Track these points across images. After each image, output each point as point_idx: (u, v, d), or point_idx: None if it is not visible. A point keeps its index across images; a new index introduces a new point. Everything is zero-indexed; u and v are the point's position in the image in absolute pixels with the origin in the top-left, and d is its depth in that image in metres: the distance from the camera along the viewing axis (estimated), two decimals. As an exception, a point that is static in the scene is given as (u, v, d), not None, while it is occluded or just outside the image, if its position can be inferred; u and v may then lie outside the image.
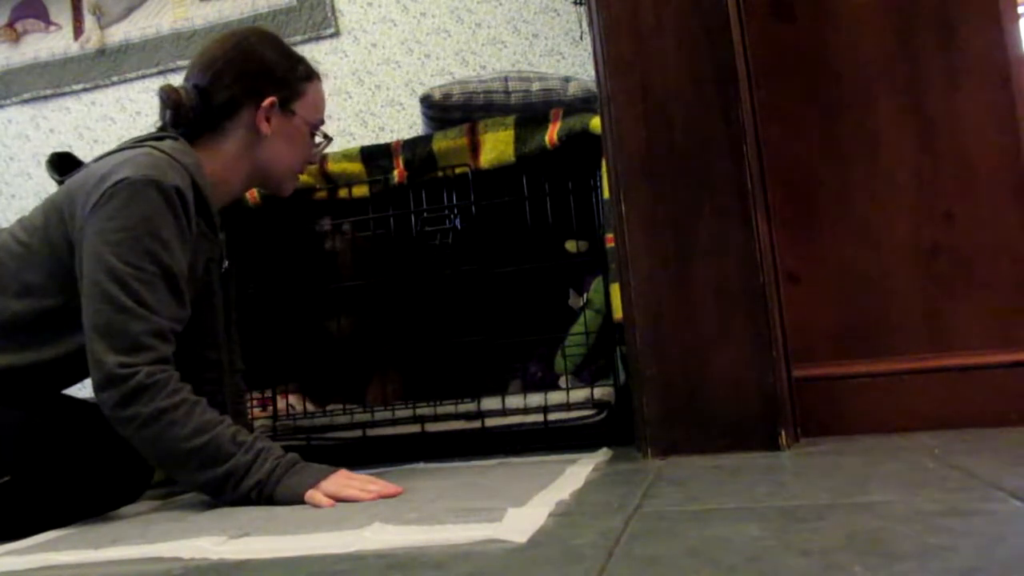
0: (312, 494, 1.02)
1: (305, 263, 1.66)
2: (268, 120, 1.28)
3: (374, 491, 1.02)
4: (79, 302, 1.10)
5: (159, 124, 1.29)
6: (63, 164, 1.28)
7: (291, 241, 1.65)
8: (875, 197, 1.25)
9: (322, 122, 1.38)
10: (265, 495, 1.05)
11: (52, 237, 1.15)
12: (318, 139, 1.38)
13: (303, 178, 1.56)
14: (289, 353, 1.67)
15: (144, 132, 1.29)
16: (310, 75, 1.34)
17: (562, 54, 2.34)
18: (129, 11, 2.70)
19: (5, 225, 1.29)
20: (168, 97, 1.25)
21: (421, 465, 1.35)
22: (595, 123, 1.38)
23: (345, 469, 1.08)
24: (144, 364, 1.04)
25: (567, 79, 1.60)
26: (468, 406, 1.44)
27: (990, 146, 1.21)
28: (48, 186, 2.72)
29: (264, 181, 1.35)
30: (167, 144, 1.20)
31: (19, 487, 1.09)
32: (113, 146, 1.24)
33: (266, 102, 1.27)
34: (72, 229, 1.13)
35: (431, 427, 1.45)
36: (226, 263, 1.35)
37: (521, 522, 0.75)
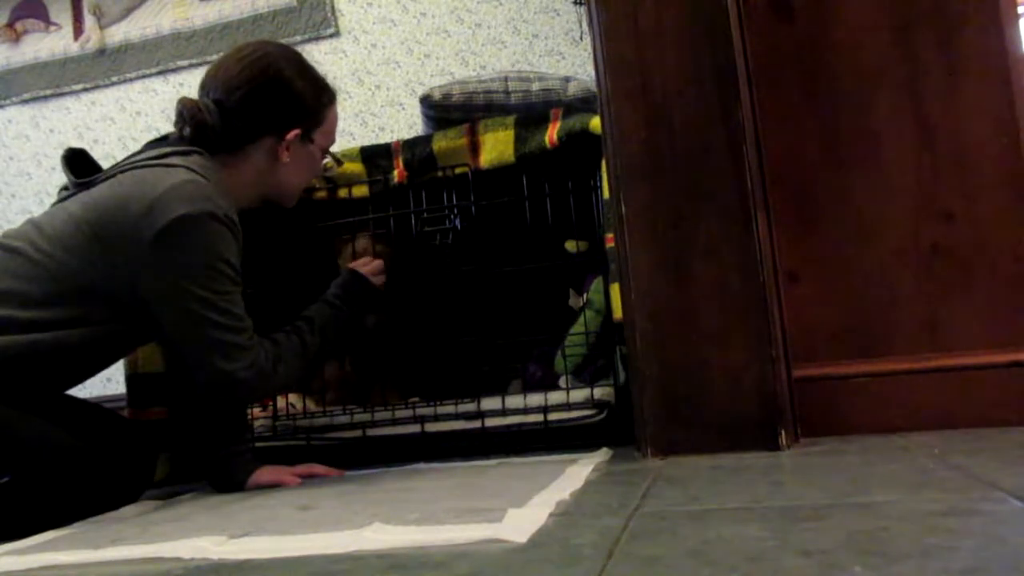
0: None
1: (305, 263, 1.66)
2: (287, 149, 1.30)
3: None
4: (97, 316, 1.16)
5: (175, 135, 1.29)
6: (78, 163, 1.28)
7: (291, 241, 1.65)
8: (875, 197, 1.25)
9: (333, 143, 1.41)
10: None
11: (84, 254, 1.17)
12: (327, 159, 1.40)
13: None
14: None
15: (146, 133, 1.29)
16: (331, 100, 1.37)
17: (562, 54, 2.35)
18: (129, 11, 2.70)
19: (7, 226, 1.29)
20: (191, 115, 1.25)
21: (421, 465, 1.35)
22: (595, 123, 1.38)
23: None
24: (251, 358, 1.20)
25: (567, 79, 1.60)
26: (468, 406, 1.44)
27: (990, 146, 1.21)
28: (48, 186, 2.72)
29: (274, 197, 1.38)
30: (195, 161, 1.21)
31: (19, 487, 1.09)
32: (117, 145, 1.25)
33: (291, 135, 1.29)
34: (117, 255, 1.16)
35: (431, 427, 1.45)
36: None
37: (521, 522, 0.75)
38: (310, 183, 1.47)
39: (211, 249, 1.16)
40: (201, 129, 1.25)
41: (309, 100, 1.31)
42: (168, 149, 1.24)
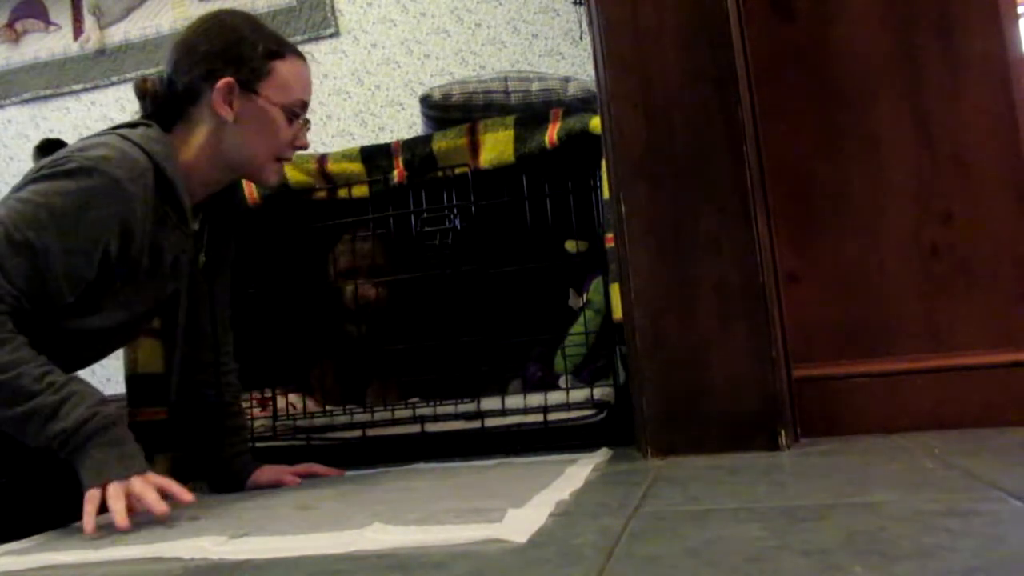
0: (109, 493, 0.96)
1: (305, 263, 1.66)
2: (230, 104, 1.19)
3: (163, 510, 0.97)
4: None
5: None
6: (49, 151, 1.26)
7: (291, 241, 1.65)
8: (875, 197, 1.25)
9: (301, 104, 1.26)
10: (69, 450, 0.98)
11: None
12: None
13: (303, 177, 1.57)
14: (290, 353, 1.67)
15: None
16: (276, 53, 1.22)
17: (562, 54, 2.34)
18: (129, 11, 2.70)
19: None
20: (138, 90, 1.23)
21: (421, 465, 1.35)
22: (595, 123, 1.38)
23: (153, 474, 1.00)
24: None
25: (567, 79, 1.60)
26: (468, 406, 1.44)
27: (990, 146, 1.21)
28: (48, 186, 2.72)
29: (239, 169, 1.25)
30: (138, 132, 1.15)
31: (17, 487, 1.09)
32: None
33: (220, 83, 1.18)
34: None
35: (431, 427, 1.45)
36: (203, 258, 1.30)
37: (521, 522, 0.75)
38: (285, 155, 1.27)
39: (59, 194, 1.04)
40: (146, 101, 1.22)
41: (243, 47, 1.20)
42: (120, 123, 1.20)
